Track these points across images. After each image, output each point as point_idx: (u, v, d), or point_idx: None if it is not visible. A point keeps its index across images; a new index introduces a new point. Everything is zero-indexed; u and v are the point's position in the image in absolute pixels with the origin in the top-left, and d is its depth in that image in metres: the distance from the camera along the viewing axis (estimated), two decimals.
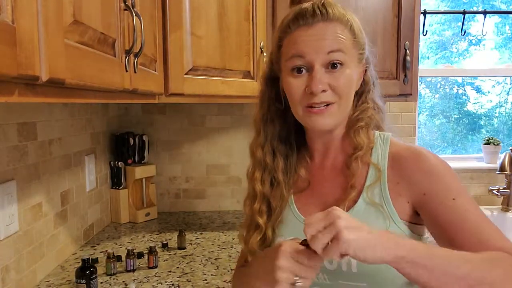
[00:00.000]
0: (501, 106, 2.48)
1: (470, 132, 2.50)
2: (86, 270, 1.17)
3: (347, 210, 0.77)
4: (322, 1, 0.78)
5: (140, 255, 1.41)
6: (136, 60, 0.94)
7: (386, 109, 0.90)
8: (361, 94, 0.85)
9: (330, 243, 0.59)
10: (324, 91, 0.75)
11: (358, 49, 0.80)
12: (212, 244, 1.58)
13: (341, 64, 0.76)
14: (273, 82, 0.86)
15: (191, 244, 1.58)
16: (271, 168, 0.86)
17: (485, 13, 2.09)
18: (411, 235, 0.76)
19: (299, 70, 0.77)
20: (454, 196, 0.72)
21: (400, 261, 0.60)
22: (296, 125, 0.86)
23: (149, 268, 1.35)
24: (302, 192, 0.86)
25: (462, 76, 2.44)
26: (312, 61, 0.75)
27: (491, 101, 2.48)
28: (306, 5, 0.78)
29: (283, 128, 0.87)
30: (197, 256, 1.46)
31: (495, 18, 2.39)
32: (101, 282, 1.24)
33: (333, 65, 0.75)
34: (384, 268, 0.63)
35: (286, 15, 0.80)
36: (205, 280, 1.27)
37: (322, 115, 0.77)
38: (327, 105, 0.76)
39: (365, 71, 0.84)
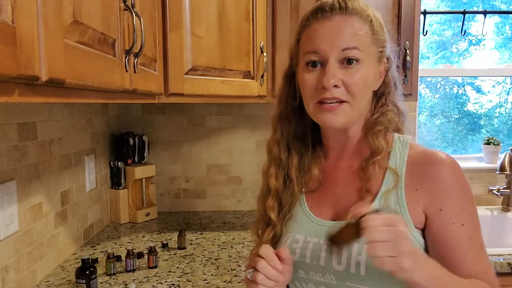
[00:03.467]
0: (501, 106, 2.48)
1: (470, 132, 2.50)
2: (86, 270, 1.17)
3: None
4: None
5: (140, 255, 1.41)
6: (136, 60, 0.94)
7: (406, 112, 0.87)
8: (381, 95, 0.82)
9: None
10: (336, 86, 0.73)
11: (377, 47, 0.77)
12: (212, 244, 1.58)
13: (357, 60, 0.73)
14: (291, 78, 0.85)
15: (191, 244, 1.58)
16: (285, 164, 0.85)
17: (485, 13, 2.09)
18: (425, 244, 0.75)
19: (314, 64, 0.76)
20: (464, 221, 0.72)
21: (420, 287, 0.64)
22: (312, 123, 0.84)
23: (149, 268, 1.35)
24: (314, 191, 0.85)
25: (462, 76, 2.44)
26: (327, 56, 0.74)
27: (491, 101, 2.48)
28: None
29: (299, 125, 0.86)
30: (197, 256, 1.46)
31: (495, 18, 2.38)
32: (101, 282, 1.24)
33: (348, 61, 0.73)
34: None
35: (308, 10, 0.80)
36: (205, 280, 1.27)
37: (334, 112, 0.74)
38: (340, 102, 0.74)
39: (386, 71, 0.81)
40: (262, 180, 0.89)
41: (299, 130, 0.86)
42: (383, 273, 0.66)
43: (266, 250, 0.73)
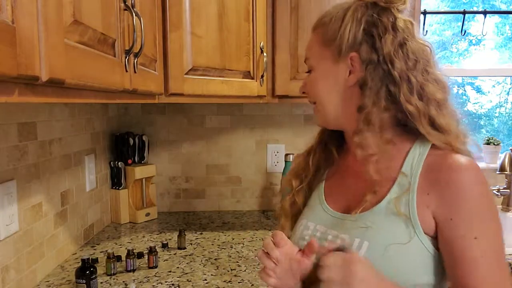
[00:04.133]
0: (501, 106, 2.48)
1: (470, 132, 2.49)
2: (86, 270, 1.17)
3: (365, 210, 0.74)
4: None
5: (140, 255, 1.41)
6: (136, 60, 0.94)
7: (449, 86, 0.79)
8: (361, 95, 0.77)
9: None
10: (304, 92, 0.87)
11: (331, 46, 0.78)
12: (212, 244, 1.58)
13: (310, 68, 0.84)
14: None
15: (191, 244, 1.58)
16: (304, 177, 0.91)
17: (485, 13, 2.09)
18: (435, 252, 0.71)
19: None
20: (478, 235, 0.67)
21: None
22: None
23: (149, 268, 1.35)
24: (333, 180, 0.89)
25: (462, 76, 2.44)
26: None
27: (491, 101, 2.48)
28: None
29: (323, 136, 0.92)
30: (197, 256, 1.46)
31: (495, 18, 2.38)
32: (101, 282, 1.24)
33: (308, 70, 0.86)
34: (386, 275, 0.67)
35: None
36: (205, 280, 1.27)
37: (315, 111, 0.86)
38: (314, 103, 0.85)
39: (358, 68, 0.75)
40: (298, 160, 0.95)
41: (324, 140, 0.93)
42: (380, 270, 0.68)
43: (270, 243, 0.75)
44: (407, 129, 0.76)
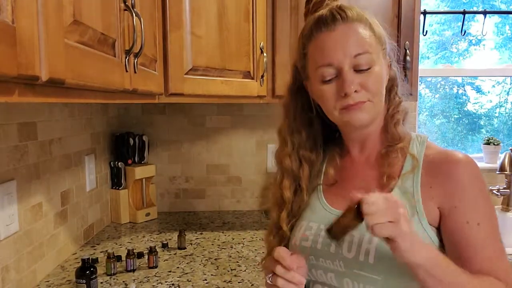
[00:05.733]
0: (501, 106, 2.48)
1: (470, 132, 2.50)
2: (86, 270, 1.17)
3: None
4: (339, 5, 0.80)
5: (140, 255, 1.41)
6: (136, 60, 0.94)
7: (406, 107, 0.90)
8: (390, 89, 0.85)
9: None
10: (356, 91, 0.77)
11: (380, 45, 0.81)
12: (212, 244, 1.59)
13: (369, 63, 0.77)
14: (297, 92, 0.88)
15: (191, 244, 1.58)
16: (296, 175, 0.88)
17: (485, 13, 2.09)
18: (439, 244, 0.76)
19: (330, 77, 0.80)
20: (480, 220, 0.73)
21: (419, 269, 0.65)
22: (323, 130, 0.90)
23: (149, 268, 1.35)
24: (331, 186, 0.88)
25: (462, 76, 2.44)
26: (341, 65, 0.77)
27: (491, 101, 2.48)
28: (324, 11, 0.79)
29: (309, 136, 0.89)
30: (197, 256, 1.46)
31: (495, 18, 2.38)
32: (101, 282, 1.24)
33: (362, 66, 0.78)
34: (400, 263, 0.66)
35: (306, 23, 0.83)
36: (205, 280, 1.27)
37: (359, 110, 0.78)
38: (363, 102, 0.78)
39: (390, 65, 0.85)
40: (273, 190, 0.91)
41: (310, 140, 0.89)
42: (392, 262, 0.68)
43: (280, 252, 0.74)
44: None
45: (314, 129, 0.89)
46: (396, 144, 0.82)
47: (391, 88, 0.85)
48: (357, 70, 0.77)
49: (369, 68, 0.77)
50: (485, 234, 0.74)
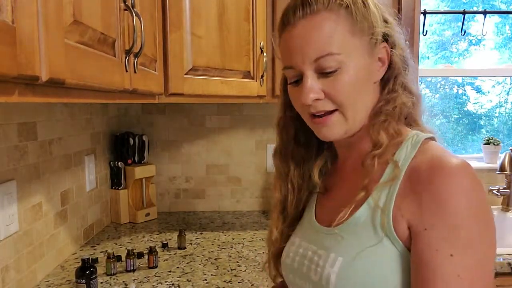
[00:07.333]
0: (501, 106, 2.48)
1: (470, 132, 2.50)
2: (86, 270, 1.17)
3: (348, 217, 0.67)
4: None
5: (140, 255, 1.41)
6: (136, 60, 0.94)
7: (422, 96, 0.74)
8: (386, 81, 0.71)
9: None
10: (318, 99, 0.66)
11: (363, 35, 0.66)
12: (212, 244, 1.59)
13: (334, 66, 0.64)
14: (285, 88, 0.79)
15: (191, 244, 1.58)
16: (286, 174, 0.81)
17: (485, 13, 2.09)
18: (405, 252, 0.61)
19: (296, 80, 0.70)
20: (454, 252, 0.55)
21: None
22: None
23: (149, 268, 1.35)
24: (323, 194, 0.80)
25: (462, 76, 2.44)
26: (301, 70, 0.66)
27: (491, 101, 2.48)
28: (291, 1, 0.68)
29: (300, 132, 0.79)
30: (197, 256, 1.46)
31: (495, 18, 2.39)
32: (101, 282, 1.24)
33: (325, 70, 0.65)
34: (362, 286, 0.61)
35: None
36: (205, 280, 1.27)
37: (326, 126, 0.68)
38: (330, 113, 0.67)
39: (389, 54, 0.70)
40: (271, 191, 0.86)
41: (301, 136, 0.80)
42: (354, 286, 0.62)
43: None
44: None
45: (306, 125, 0.75)
46: (372, 150, 0.67)
47: (387, 80, 0.71)
48: (322, 73, 0.65)
49: (335, 71, 0.64)
50: (456, 269, 0.55)
